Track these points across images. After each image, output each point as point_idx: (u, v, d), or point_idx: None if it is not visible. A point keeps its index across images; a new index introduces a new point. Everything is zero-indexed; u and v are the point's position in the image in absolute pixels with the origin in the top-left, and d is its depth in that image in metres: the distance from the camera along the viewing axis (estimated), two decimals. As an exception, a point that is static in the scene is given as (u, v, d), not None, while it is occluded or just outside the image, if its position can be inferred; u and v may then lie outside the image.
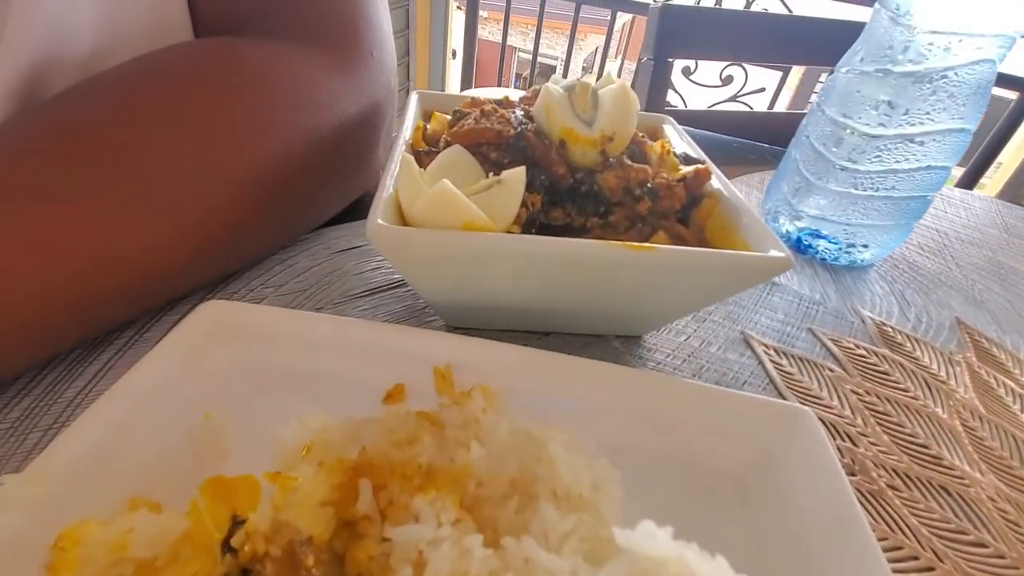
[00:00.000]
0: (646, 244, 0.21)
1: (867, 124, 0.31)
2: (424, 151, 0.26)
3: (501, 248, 0.20)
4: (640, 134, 0.28)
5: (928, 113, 0.30)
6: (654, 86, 0.62)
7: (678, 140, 0.31)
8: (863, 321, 0.32)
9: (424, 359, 0.20)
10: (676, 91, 1.36)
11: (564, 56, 2.30)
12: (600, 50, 2.57)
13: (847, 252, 0.35)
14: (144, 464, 0.17)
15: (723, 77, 1.31)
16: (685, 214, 0.26)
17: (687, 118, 0.60)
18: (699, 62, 1.30)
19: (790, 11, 1.37)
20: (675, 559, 0.12)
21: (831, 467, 0.18)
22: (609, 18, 1.91)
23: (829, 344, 0.29)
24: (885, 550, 0.20)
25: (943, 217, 0.46)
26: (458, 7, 2.24)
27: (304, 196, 0.29)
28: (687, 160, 0.28)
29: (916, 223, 0.35)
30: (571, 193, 0.24)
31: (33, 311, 0.19)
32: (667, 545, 0.12)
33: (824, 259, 0.36)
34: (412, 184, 0.21)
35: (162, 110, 0.23)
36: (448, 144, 0.24)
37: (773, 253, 0.21)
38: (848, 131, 0.32)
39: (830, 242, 0.35)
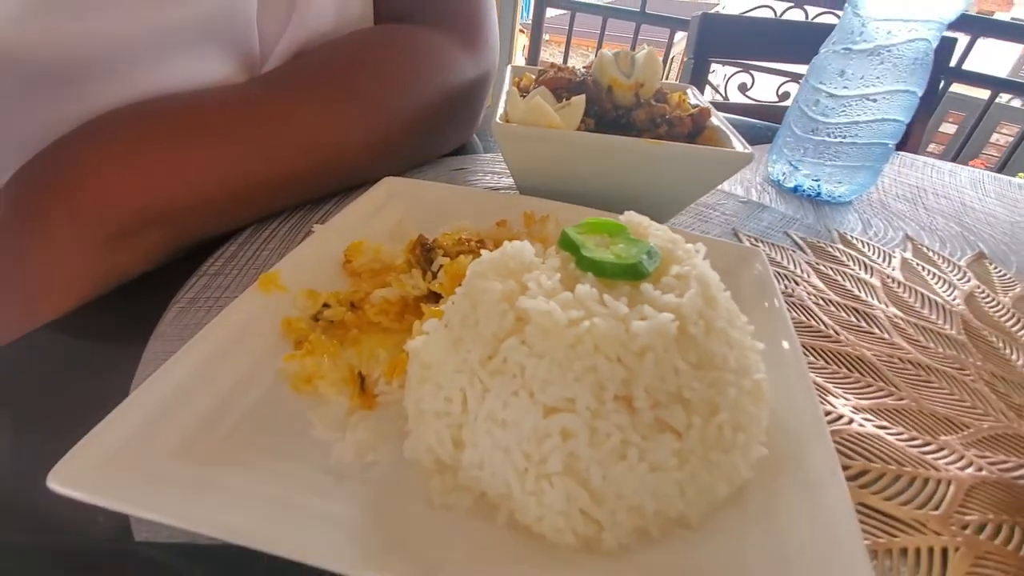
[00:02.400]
0: (656, 140, 0.34)
1: (835, 88, 0.43)
2: (520, 94, 0.40)
3: (568, 137, 0.34)
4: (665, 90, 0.41)
5: (879, 78, 0.41)
6: (694, 79, 0.74)
7: (694, 96, 0.43)
8: (829, 231, 0.43)
9: (520, 207, 0.33)
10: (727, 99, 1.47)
11: (632, 40, 2.42)
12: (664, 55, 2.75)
13: (825, 187, 0.46)
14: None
15: (779, 93, 1.41)
16: (692, 139, 0.39)
17: (726, 107, 0.72)
18: (755, 79, 1.41)
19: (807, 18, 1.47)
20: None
21: (772, 286, 0.30)
22: (668, 38, 2.04)
23: (797, 239, 0.41)
24: (804, 328, 0.31)
25: (927, 179, 0.56)
26: (520, 30, 2.39)
27: (440, 127, 0.44)
28: (697, 106, 0.41)
29: (883, 166, 0.46)
30: (614, 123, 0.38)
31: (287, 174, 0.34)
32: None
33: (808, 194, 0.48)
34: (515, 103, 0.35)
35: (368, 63, 0.38)
36: (536, 87, 0.38)
37: (739, 149, 0.34)
38: (823, 94, 0.44)
39: (812, 180, 0.47)
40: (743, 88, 2.05)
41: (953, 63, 1.73)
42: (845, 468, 0.23)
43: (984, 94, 1.30)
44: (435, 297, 0.26)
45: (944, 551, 0.20)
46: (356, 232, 0.30)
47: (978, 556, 0.20)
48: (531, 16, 2.24)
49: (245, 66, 0.36)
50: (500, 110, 0.35)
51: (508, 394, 0.17)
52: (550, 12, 2.16)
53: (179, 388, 0.20)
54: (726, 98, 2.07)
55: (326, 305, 0.26)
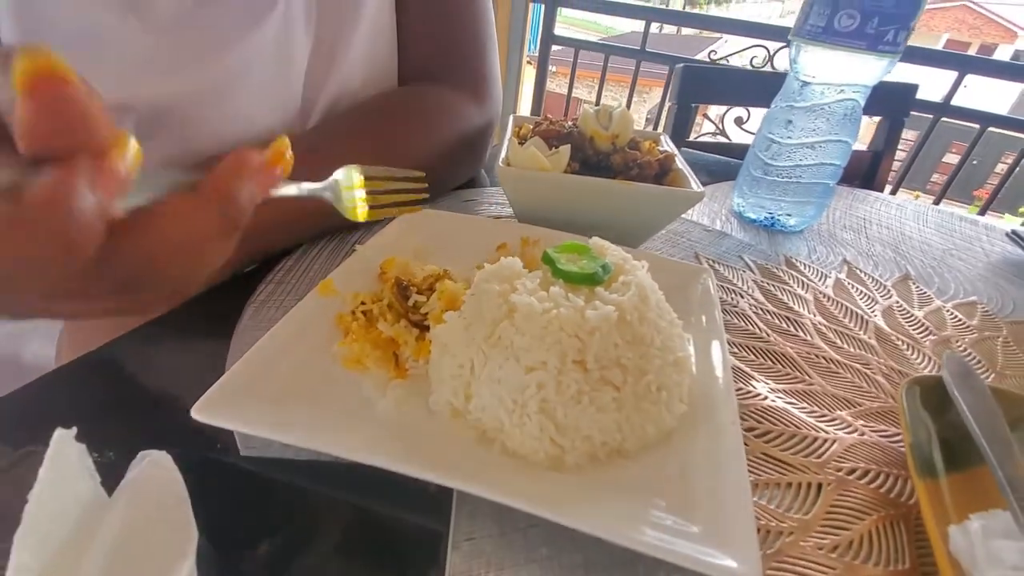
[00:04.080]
0: (626, 181, 0.42)
1: (782, 137, 0.51)
2: (519, 141, 0.49)
3: (556, 178, 0.42)
4: (638, 138, 0.50)
5: (815, 130, 0.50)
6: (678, 122, 0.83)
7: (666, 143, 0.52)
8: (778, 255, 0.51)
9: (518, 233, 0.42)
10: (727, 136, 1.57)
11: (626, 104, 2.54)
12: (662, 98, 2.88)
13: (778, 218, 0.55)
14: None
15: None
16: (660, 179, 0.47)
17: (711, 146, 0.81)
18: (751, 112, 1.53)
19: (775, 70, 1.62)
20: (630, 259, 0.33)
21: (713, 297, 0.37)
22: (667, 72, 2.16)
23: (749, 261, 0.49)
24: (742, 331, 0.39)
25: (874, 212, 0.64)
26: (528, 62, 2.51)
27: (449, 166, 0.52)
28: (664, 152, 0.50)
29: (827, 201, 0.54)
30: (595, 167, 0.46)
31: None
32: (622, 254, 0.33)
33: (764, 224, 0.56)
34: (515, 150, 0.44)
35: (398, 120, 0.47)
36: (532, 136, 0.47)
37: (693, 189, 0.42)
38: (772, 142, 0.52)
39: (767, 213, 0.55)
40: (739, 122, 2.16)
41: (940, 99, 1.83)
42: (754, 429, 0.31)
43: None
44: (418, 324, 0.33)
45: (819, 486, 0.28)
46: (389, 251, 0.39)
47: (844, 490, 0.28)
48: (538, 49, 2.38)
49: (289, 114, 0.45)
50: (503, 155, 0.44)
51: (502, 360, 0.25)
52: (556, 47, 2.29)
53: (267, 360, 0.28)
54: (722, 130, 2.18)
55: (363, 303, 0.34)
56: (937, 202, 1.99)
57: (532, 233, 0.42)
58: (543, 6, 2.33)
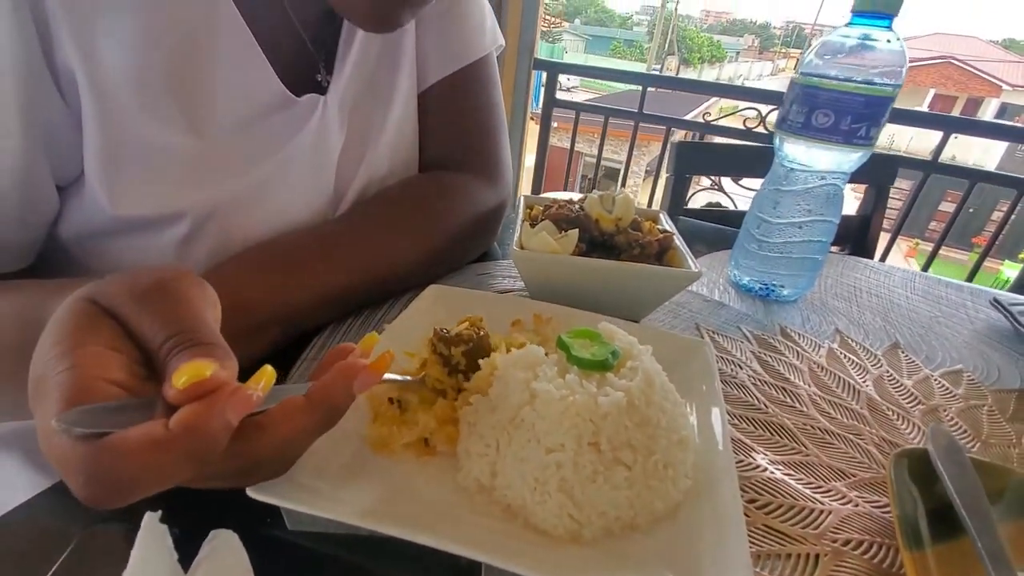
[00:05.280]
0: (628, 263, 0.46)
1: (771, 216, 0.56)
2: (531, 223, 0.54)
3: (565, 260, 0.46)
4: (639, 218, 0.54)
5: (801, 210, 0.54)
6: (675, 192, 0.89)
7: (665, 222, 0.57)
8: (774, 325, 0.55)
9: (530, 309, 0.46)
10: (727, 194, 1.65)
11: (625, 160, 2.66)
12: (660, 152, 3.03)
13: (772, 289, 0.59)
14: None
15: None
16: (660, 257, 0.51)
17: (706, 214, 0.86)
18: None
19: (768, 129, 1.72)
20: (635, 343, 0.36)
21: (712, 370, 0.41)
22: (663, 134, 2.26)
23: (747, 332, 0.52)
24: (741, 402, 0.42)
25: (864, 280, 0.68)
26: (531, 118, 2.62)
27: (465, 244, 0.57)
28: (663, 231, 0.54)
29: (817, 273, 0.58)
30: (600, 246, 0.51)
31: (340, 291, 0.46)
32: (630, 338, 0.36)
33: (760, 294, 0.60)
34: (527, 233, 0.48)
35: (420, 205, 0.52)
36: (543, 219, 0.52)
37: (691, 268, 0.46)
38: (763, 221, 0.57)
39: (761, 284, 0.59)
40: (735, 177, 2.25)
41: (930, 157, 1.91)
42: (755, 501, 0.33)
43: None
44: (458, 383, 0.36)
45: (817, 557, 0.30)
46: (415, 327, 0.43)
47: (840, 561, 0.30)
48: (540, 110, 2.50)
49: (321, 204, 0.50)
50: (516, 238, 0.48)
51: (525, 441, 0.28)
52: (558, 109, 2.41)
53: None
54: (719, 185, 2.26)
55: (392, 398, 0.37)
56: (936, 250, 2.03)
57: (545, 310, 0.46)
58: (545, 74, 2.47)
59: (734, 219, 0.86)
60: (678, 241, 0.52)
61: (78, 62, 0.35)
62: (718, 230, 0.81)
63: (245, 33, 0.41)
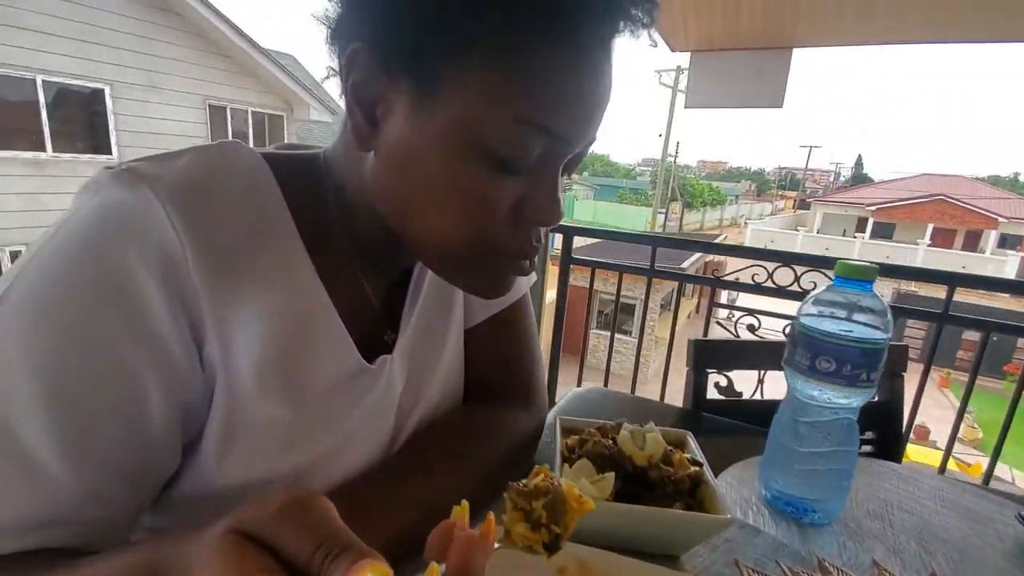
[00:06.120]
0: (664, 509, 0.50)
1: (794, 444, 0.60)
2: (567, 456, 0.58)
3: (604, 506, 0.50)
4: (670, 448, 0.59)
5: (820, 441, 0.58)
6: (697, 387, 0.94)
7: (692, 445, 0.61)
8: (812, 555, 0.56)
9: (574, 555, 0.48)
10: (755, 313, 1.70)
11: (643, 296, 2.76)
12: (675, 290, 3.18)
13: (804, 510, 0.61)
14: None
15: (785, 333, 1.66)
16: (693, 491, 0.55)
17: (726, 407, 0.91)
18: (761, 321, 1.68)
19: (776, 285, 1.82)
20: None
21: None
22: (676, 288, 2.38)
23: (785, 568, 0.54)
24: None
25: (894, 492, 0.69)
26: (552, 262, 2.76)
27: (510, 469, 0.61)
28: (694, 462, 0.58)
29: (845, 498, 0.61)
30: (635, 480, 0.55)
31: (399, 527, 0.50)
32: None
33: (793, 516, 0.61)
34: (566, 475, 0.52)
35: (468, 437, 0.58)
36: (579, 455, 0.57)
37: (723, 516, 0.49)
38: (785, 449, 0.61)
39: (792, 508, 0.61)
40: (751, 328, 2.32)
41: (941, 310, 1.97)
42: None
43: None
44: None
45: None
46: None
47: None
48: (559, 267, 2.68)
49: (382, 445, 0.56)
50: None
51: None
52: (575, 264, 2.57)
53: None
54: (736, 335, 2.32)
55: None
56: (971, 386, 1.95)
57: (588, 556, 0.49)
58: (561, 235, 2.68)
59: (758, 413, 0.90)
60: (708, 476, 0.55)
61: (218, 352, 0.42)
62: (741, 428, 0.85)
63: (335, 316, 0.50)
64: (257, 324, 0.44)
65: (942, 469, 1.94)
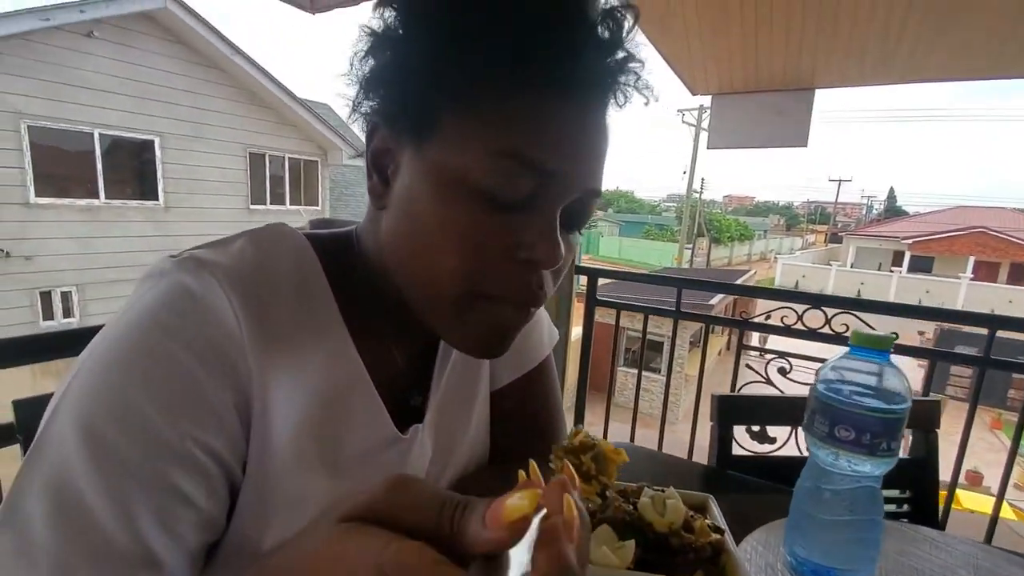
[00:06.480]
0: (685, 578, 0.51)
1: (818, 512, 0.60)
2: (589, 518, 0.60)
3: (624, 575, 0.51)
4: (692, 515, 0.59)
5: (843, 510, 0.58)
6: (722, 441, 0.94)
7: (714, 509, 0.61)
8: (838, 631, 0.55)
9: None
10: (772, 383, 1.67)
11: (670, 334, 2.73)
12: (703, 328, 3.15)
13: (830, 581, 0.60)
14: None
15: (818, 376, 1.63)
16: (716, 559, 0.55)
17: (753, 464, 0.90)
18: (792, 364, 1.66)
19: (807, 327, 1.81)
20: None
21: None
22: (703, 330, 2.37)
23: (810, 643, 0.53)
24: None
25: (926, 559, 0.68)
26: (577, 299, 2.76)
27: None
28: (716, 529, 0.58)
29: (874, 568, 0.60)
30: (656, 547, 0.56)
31: None
32: None
33: (819, 587, 0.61)
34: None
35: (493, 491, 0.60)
36: (599, 522, 0.58)
37: (744, 587, 0.50)
38: (811, 518, 0.61)
39: (820, 575, 0.61)
40: (783, 372, 2.27)
41: (981, 353, 1.90)
42: None
43: None
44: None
45: None
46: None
47: None
48: (584, 309, 2.69)
49: None
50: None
51: None
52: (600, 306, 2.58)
53: None
54: (767, 378, 2.27)
55: None
56: (1022, 425, 1.82)
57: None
58: (586, 277, 2.70)
59: (785, 469, 0.89)
60: (729, 543, 0.56)
61: (260, 424, 0.44)
62: (766, 487, 0.84)
63: (370, 386, 0.53)
64: (298, 395, 0.47)
65: (994, 518, 1.84)
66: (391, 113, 0.46)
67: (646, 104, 0.49)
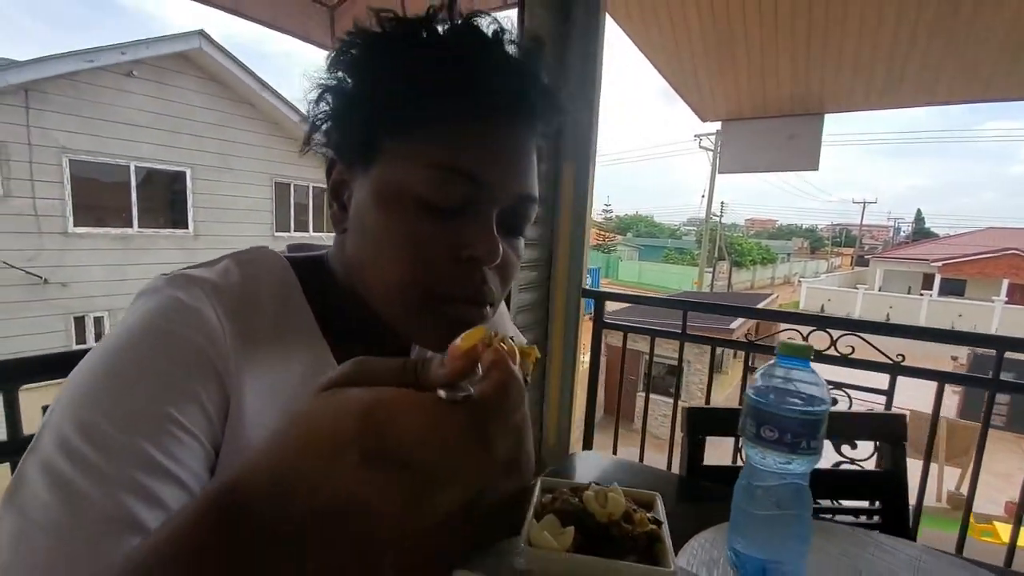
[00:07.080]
0: (610, 560, 0.56)
1: (751, 508, 0.65)
2: (538, 512, 0.66)
3: (564, 557, 0.57)
4: (633, 508, 0.65)
5: (771, 504, 0.63)
6: (691, 455, 0.99)
7: (659, 507, 0.67)
8: (765, 617, 0.59)
9: None
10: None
11: (681, 358, 2.75)
12: (719, 351, 3.16)
13: (765, 575, 0.64)
14: None
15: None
16: (651, 548, 0.60)
17: (721, 473, 0.95)
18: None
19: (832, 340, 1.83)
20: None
21: None
22: (710, 352, 2.40)
23: (736, 626, 0.58)
24: None
25: (867, 559, 0.71)
26: (589, 318, 2.79)
27: (495, 515, 0.69)
28: (655, 521, 0.64)
29: (802, 559, 0.64)
30: (597, 536, 0.61)
31: None
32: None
33: (755, 579, 0.65)
34: (534, 531, 0.60)
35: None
36: (547, 512, 0.64)
37: (666, 568, 0.55)
38: (745, 512, 0.66)
39: (755, 569, 0.65)
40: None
41: (990, 374, 1.89)
42: None
43: None
44: None
45: None
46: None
47: None
48: (591, 333, 2.73)
49: None
50: (523, 535, 0.60)
51: None
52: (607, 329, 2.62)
53: None
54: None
55: None
56: None
57: None
58: (593, 300, 2.74)
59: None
60: (664, 533, 0.61)
61: (235, 411, 0.50)
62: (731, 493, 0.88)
63: None
64: (277, 398, 0.53)
65: (1012, 546, 1.81)
66: (342, 147, 0.55)
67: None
